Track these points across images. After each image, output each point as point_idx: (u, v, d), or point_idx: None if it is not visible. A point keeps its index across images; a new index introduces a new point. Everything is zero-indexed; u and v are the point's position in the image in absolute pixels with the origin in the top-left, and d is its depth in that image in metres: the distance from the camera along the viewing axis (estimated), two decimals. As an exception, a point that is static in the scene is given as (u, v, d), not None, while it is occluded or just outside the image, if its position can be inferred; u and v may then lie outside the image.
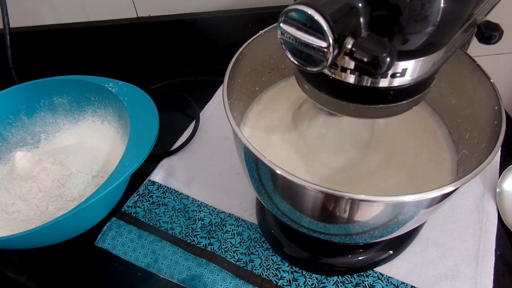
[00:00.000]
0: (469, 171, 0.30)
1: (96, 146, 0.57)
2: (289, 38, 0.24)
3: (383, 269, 0.43)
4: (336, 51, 0.22)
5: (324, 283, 0.43)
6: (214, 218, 0.49)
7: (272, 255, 0.45)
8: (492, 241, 0.45)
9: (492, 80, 0.37)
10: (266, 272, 0.44)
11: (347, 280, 0.43)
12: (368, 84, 0.26)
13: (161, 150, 0.56)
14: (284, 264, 0.45)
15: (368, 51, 0.22)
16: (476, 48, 0.41)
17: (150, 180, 0.53)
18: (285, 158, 0.41)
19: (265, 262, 0.45)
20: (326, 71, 0.27)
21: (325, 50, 0.22)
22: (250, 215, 0.49)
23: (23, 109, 0.56)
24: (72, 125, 0.59)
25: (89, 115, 0.58)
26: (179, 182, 0.53)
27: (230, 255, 0.46)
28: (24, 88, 0.55)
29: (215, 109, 0.61)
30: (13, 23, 0.56)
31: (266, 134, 0.44)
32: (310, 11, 0.21)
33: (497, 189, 0.49)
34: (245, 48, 0.41)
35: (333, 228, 0.36)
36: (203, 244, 0.47)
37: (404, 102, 0.28)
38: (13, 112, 0.56)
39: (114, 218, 0.49)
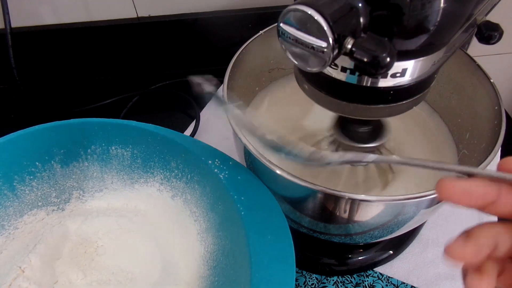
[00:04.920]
0: (469, 171, 0.30)
1: (150, 227, 0.39)
2: (289, 38, 0.24)
3: (383, 269, 0.43)
4: (336, 51, 0.22)
5: (324, 283, 0.43)
6: (214, 218, 0.49)
7: (272, 255, 0.45)
8: (492, 241, 0.45)
9: (492, 80, 0.37)
10: (266, 272, 0.44)
11: (347, 280, 0.43)
12: (368, 84, 0.26)
13: (161, 150, 0.56)
14: (284, 264, 0.45)
15: (368, 51, 0.22)
16: (476, 48, 0.41)
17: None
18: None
19: (265, 262, 0.45)
20: (326, 71, 0.27)
21: (325, 50, 0.22)
22: (250, 215, 0.49)
23: (60, 154, 0.40)
24: (123, 186, 0.42)
25: (156, 181, 0.41)
26: (179, 182, 0.53)
27: (230, 255, 0.46)
28: (70, 128, 0.39)
29: (215, 109, 0.61)
30: (14, 23, 0.56)
31: (266, 134, 0.44)
32: (310, 11, 0.21)
33: None
34: (245, 48, 0.41)
35: (333, 228, 0.36)
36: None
37: (404, 102, 0.28)
38: (42, 157, 0.39)
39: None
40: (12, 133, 0.38)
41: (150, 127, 0.39)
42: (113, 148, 0.40)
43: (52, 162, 0.40)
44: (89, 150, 0.40)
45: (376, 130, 0.34)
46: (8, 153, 0.38)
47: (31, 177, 0.39)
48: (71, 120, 0.39)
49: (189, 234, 0.39)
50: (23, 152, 0.39)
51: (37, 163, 0.39)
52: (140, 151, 0.40)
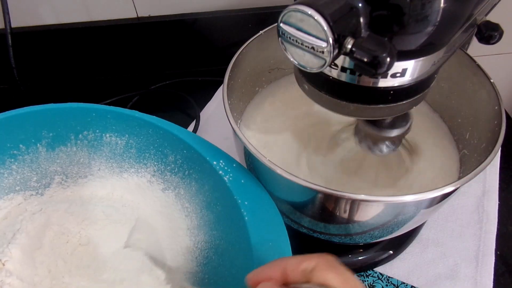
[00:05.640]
0: (469, 171, 0.30)
1: (137, 217, 0.39)
2: (289, 38, 0.24)
3: (383, 269, 0.43)
4: (336, 51, 0.22)
5: (324, 283, 0.43)
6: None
7: (272, 255, 0.45)
8: (492, 241, 0.45)
9: (492, 80, 0.37)
10: (266, 272, 0.44)
11: (347, 280, 0.43)
12: (368, 84, 0.26)
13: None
14: (284, 264, 0.45)
15: (368, 51, 0.22)
16: (476, 48, 0.41)
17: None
18: (285, 158, 0.41)
19: (265, 262, 0.45)
20: (326, 71, 0.27)
21: (325, 50, 0.22)
22: (250, 215, 0.49)
23: (48, 138, 0.38)
24: (111, 174, 0.41)
25: (148, 172, 0.40)
26: (179, 182, 0.53)
27: (230, 255, 0.46)
28: (66, 111, 0.37)
29: (215, 109, 0.61)
30: (14, 23, 0.56)
31: (266, 134, 0.44)
32: (310, 11, 0.21)
33: None
34: (245, 48, 0.41)
35: (333, 228, 0.36)
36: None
37: (404, 102, 0.28)
38: (28, 140, 0.37)
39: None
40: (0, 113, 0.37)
41: (153, 119, 0.38)
42: (107, 135, 0.39)
43: (38, 145, 0.38)
44: (80, 135, 0.39)
45: (399, 118, 0.34)
46: None
47: (12, 159, 0.37)
48: (69, 104, 0.38)
49: (178, 228, 0.39)
50: (8, 134, 0.37)
51: (21, 146, 0.37)
52: (136, 141, 0.39)
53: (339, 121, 0.43)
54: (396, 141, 0.36)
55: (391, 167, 0.41)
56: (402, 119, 0.34)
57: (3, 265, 0.34)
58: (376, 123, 0.33)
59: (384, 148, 0.36)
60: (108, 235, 0.38)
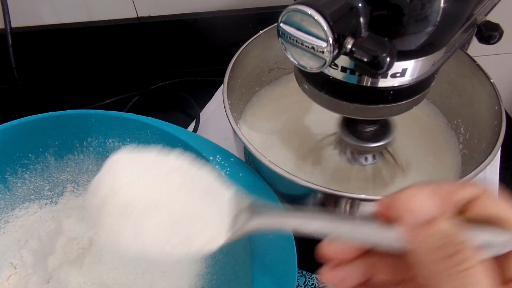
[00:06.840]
0: (469, 171, 0.30)
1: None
2: (289, 38, 0.24)
3: (383, 269, 0.43)
4: (336, 51, 0.22)
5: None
6: (214, 218, 0.49)
7: (272, 255, 0.45)
8: (492, 241, 0.44)
9: (492, 80, 0.37)
10: (266, 272, 0.44)
11: (347, 280, 0.43)
12: (368, 84, 0.26)
13: (161, 150, 0.56)
14: (284, 264, 0.44)
15: (368, 51, 0.22)
16: (476, 48, 0.41)
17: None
18: (285, 158, 0.41)
19: (265, 262, 0.45)
20: (326, 71, 0.27)
21: (325, 50, 0.22)
22: (250, 215, 0.49)
23: (54, 146, 0.39)
24: None
25: None
26: (179, 182, 0.53)
27: (230, 255, 0.45)
28: (67, 119, 0.38)
29: (215, 109, 0.61)
30: (14, 23, 0.56)
31: (266, 134, 0.44)
32: (310, 11, 0.21)
33: None
34: (245, 48, 0.41)
35: (333, 228, 0.36)
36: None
37: (404, 102, 0.28)
38: (36, 149, 0.38)
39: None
40: (4, 123, 0.37)
41: (150, 120, 0.39)
42: (110, 141, 0.40)
43: (46, 154, 0.39)
44: (85, 142, 0.39)
45: (382, 129, 0.34)
46: (0, 144, 0.37)
47: (24, 169, 0.39)
48: (68, 111, 0.38)
49: None
50: (16, 143, 0.38)
51: (30, 155, 0.38)
52: (141, 144, 0.39)
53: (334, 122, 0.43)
54: (376, 154, 0.36)
55: (385, 167, 0.41)
56: (384, 132, 0.34)
57: (15, 268, 0.35)
58: (357, 134, 0.33)
59: (363, 160, 0.36)
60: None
